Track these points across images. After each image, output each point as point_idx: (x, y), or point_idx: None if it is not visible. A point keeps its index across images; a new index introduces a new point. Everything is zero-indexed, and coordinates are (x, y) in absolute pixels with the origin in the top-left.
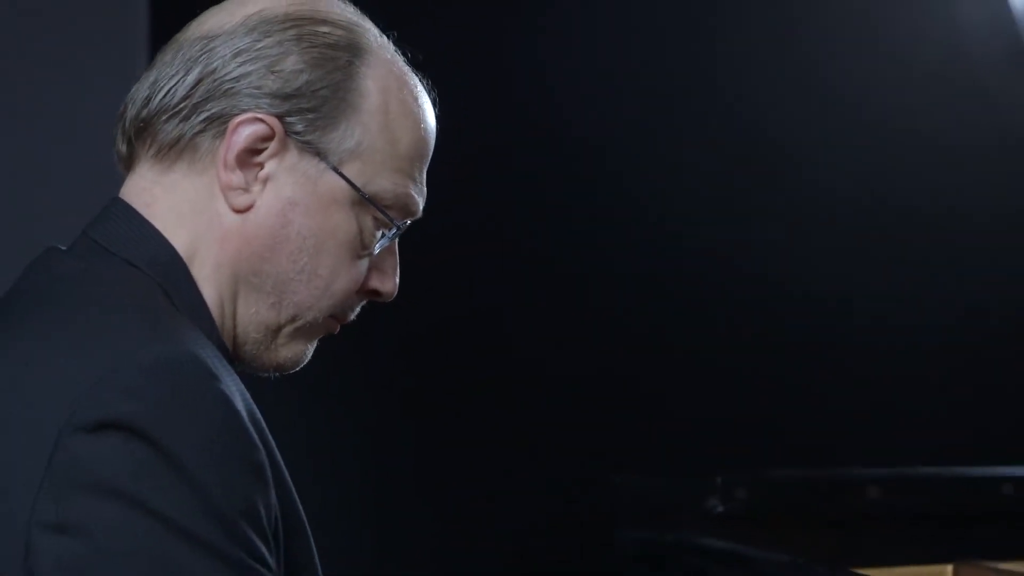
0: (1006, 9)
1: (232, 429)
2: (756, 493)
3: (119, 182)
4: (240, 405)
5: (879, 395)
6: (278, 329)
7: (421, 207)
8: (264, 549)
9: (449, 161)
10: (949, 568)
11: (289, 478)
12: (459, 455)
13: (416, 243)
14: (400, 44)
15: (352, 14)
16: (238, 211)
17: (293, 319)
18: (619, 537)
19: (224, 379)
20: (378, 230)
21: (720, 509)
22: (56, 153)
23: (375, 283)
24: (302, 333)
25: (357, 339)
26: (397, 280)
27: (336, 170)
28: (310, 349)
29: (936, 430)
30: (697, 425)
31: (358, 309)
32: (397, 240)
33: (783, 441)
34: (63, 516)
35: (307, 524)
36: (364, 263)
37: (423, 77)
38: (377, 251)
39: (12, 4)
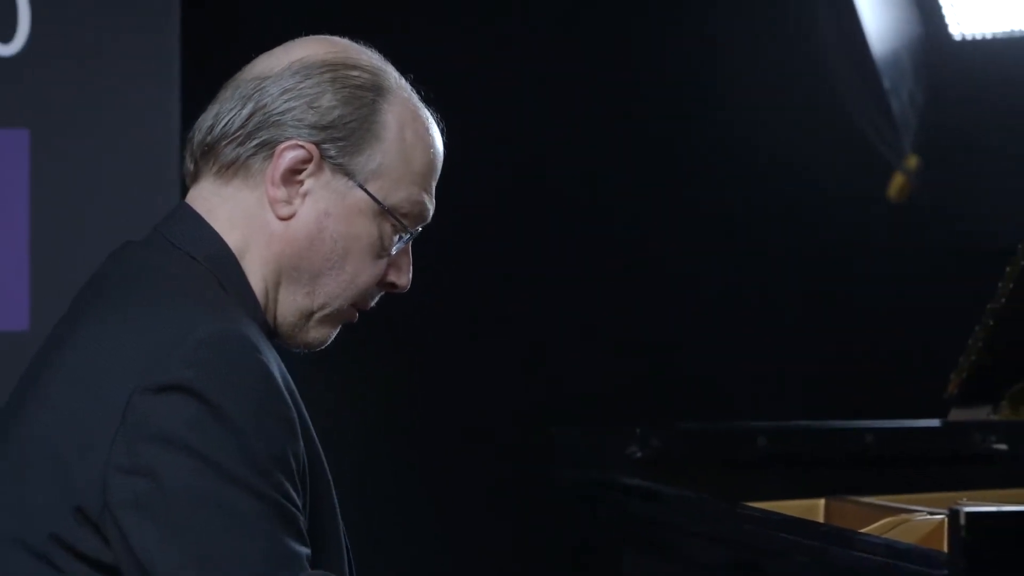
0: (869, 54)
1: (269, 390)
2: (668, 442)
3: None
4: (276, 373)
5: (768, 364)
6: (310, 314)
7: (431, 214)
8: (291, 489)
9: None
10: (822, 501)
11: (316, 437)
12: (431, 415)
13: None
14: (416, 83)
15: (377, 60)
16: (282, 219)
17: (323, 306)
18: (557, 478)
19: (264, 352)
20: (395, 235)
21: (639, 455)
22: (112, 166)
23: (392, 277)
24: (329, 319)
25: None
26: (410, 275)
27: (362, 187)
28: (333, 334)
29: (812, 392)
30: (621, 386)
31: (377, 299)
32: (411, 242)
33: (691, 399)
34: (133, 461)
35: (331, 478)
36: (383, 261)
37: (433, 111)
38: (394, 252)
39: (71, 48)
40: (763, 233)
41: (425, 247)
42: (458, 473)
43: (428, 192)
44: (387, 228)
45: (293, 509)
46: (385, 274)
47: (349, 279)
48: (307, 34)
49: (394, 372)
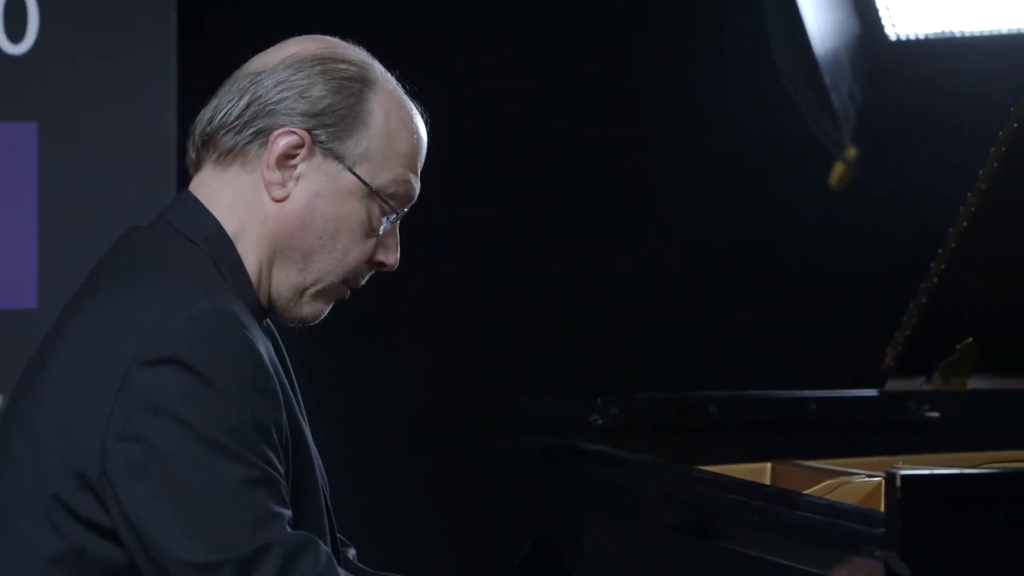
0: (811, 53)
1: (254, 364)
2: (627, 410)
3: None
4: (262, 348)
5: (720, 339)
6: (303, 290)
7: (416, 195)
8: (274, 456)
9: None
10: (769, 465)
11: (299, 410)
12: (402, 384)
13: None
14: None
15: (364, 56)
16: (277, 201)
17: (316, 282)
18: (524, 443)
19: (251, 328)
20: (383, 216)
21: (600, 422)
22: (120, 160)
23: (380, 256)
24: (322, 295)
25: None
26: (398, 255)
27: (351, 170)
28: (326, 309)
29: (760, 364)
30: (583, 358)
31: (367, 277)
32: (398, 223)
33: (647, 370)
34: (128, 428)
35: (312, 447)
36: (372, 241)
37: (417, 103)
38: (382, 232)
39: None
40: (718, 214)
41: (412, 229)
42: (428, 439)
43: (414, 174)
44: (375, 209)
45: (276, 475)
46: (374, 253)
47: (340, 257)
48: (300, 34)
49: (368, 351)
